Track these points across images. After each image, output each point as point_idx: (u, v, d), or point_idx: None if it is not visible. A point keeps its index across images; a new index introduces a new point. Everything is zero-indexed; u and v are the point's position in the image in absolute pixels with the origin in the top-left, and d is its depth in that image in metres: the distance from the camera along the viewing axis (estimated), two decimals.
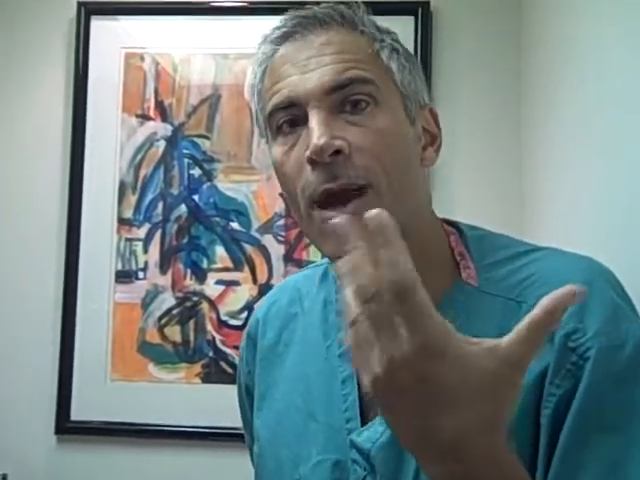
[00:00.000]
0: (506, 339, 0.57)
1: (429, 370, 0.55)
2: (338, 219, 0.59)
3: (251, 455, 1.08)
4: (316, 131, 0.77)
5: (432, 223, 0.89)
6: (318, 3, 0.88)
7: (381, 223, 0.56)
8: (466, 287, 0.84)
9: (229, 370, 2.00)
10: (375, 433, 0.83)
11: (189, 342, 2.05)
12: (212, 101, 2.09)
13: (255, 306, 1.98)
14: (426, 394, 0.56)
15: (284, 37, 0.85)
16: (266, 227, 2.05)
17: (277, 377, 0.98)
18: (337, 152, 0.77)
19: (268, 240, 2.05)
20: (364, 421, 0.86)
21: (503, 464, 0.60)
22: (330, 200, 0.78)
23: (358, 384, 0.86)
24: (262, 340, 1.02)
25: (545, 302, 0.57)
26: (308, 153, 0.78)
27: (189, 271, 2.07)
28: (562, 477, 0.72)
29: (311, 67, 0.81)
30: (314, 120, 0.79)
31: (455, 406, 0.56)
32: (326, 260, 1.00)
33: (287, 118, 0.82)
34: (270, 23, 0.90)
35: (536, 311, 0.57)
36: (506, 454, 0.60)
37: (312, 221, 0.81)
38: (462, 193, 2.01)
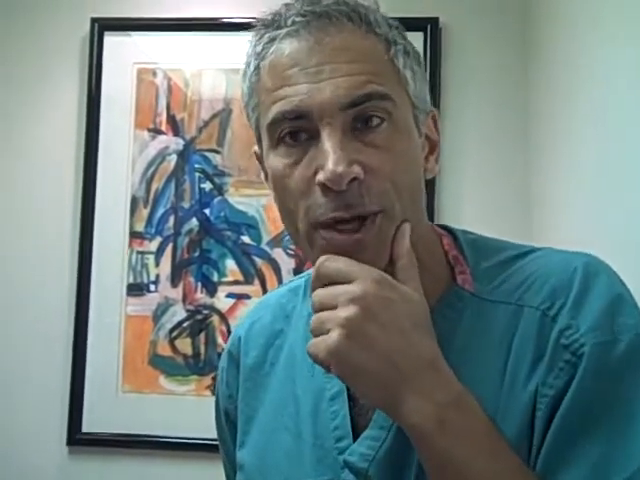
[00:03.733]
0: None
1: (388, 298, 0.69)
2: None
3: (227, 478, 1.04)
4: (332, 156, 0.71)
5: (428, 229, 0.86)
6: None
7: None
8: (462, 293, 0.82)
9: None
10: (369, 449, 0.80)
11: (200, 355, 2.06)
12: (223, 116, 2.11)
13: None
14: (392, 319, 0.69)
15: (289, 34, 0.76)
16: (276, 241, 2.06)
17: (264, 398, 0.93)
18: (353, 179, 0.72)
19: (278, 254, 2.06)
20: (355, 439, 0.82)
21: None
22: (338, 223, 0.74)
23: (349, 400, 0.84)
24: (245, 359, 0.97)
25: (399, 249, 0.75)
26: (322, 179, 0.72)
27: (200, 284, 2.08)
28: (547, 474, 0.70)
29: (324, 76, 0.73)
30: (329, 142, 0.72)
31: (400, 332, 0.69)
32: (307, 273, 0.96)
33: (292, 129, 0.75)
34: None
35: (400, 260, 0.74)
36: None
37: (313, 240, 0.76)
38: (469, 202, 2.01)
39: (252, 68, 0.80)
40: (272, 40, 0.77)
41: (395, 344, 0.68)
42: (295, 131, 0.75)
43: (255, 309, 1.04)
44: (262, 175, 0.86)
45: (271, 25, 0.78)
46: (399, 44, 0.79)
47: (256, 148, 0.86)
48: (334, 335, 0.68)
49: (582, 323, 0.73)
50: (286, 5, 0.79)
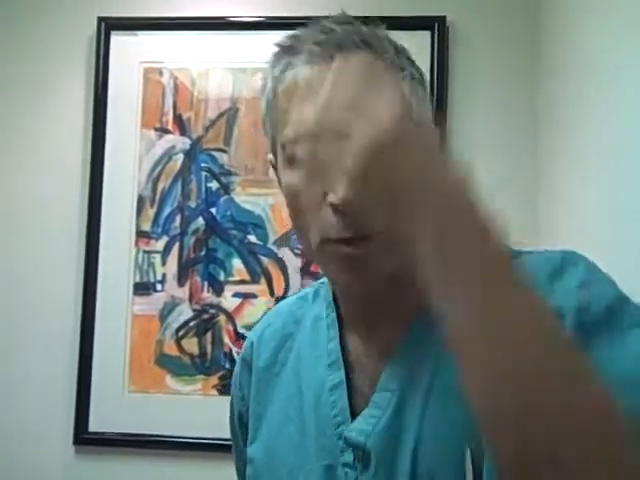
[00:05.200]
0: None
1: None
2: None
3: (240, 477, 1.07)
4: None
5: None
6: (328, 16, 0.86)
7: None
8: None
9: None
10: (367, 425, 0.84)
11: (206, 354, 2.06)
12: (230, 115, 2.10)
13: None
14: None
15: (305, 60, 0.82)
16: (283, 240, 2.06)
17: (273, 396, 0.98)
18: None
19: (285, 253, 2.06)
20: None
21: None
22: (347, 240, 0.78)
23: (350, 391, 0.88)
24: (257, 362, 1.02)
25: None
26: (335, 201, 0.73)
27: (206, 283, 2.08)
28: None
29: None
30: None
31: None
32: (318, 282, 1.02)
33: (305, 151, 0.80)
34: None
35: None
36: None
37: (323, 252, 0.81)
38: None
39: (269, 88, 0.87)
40: (289, 66, 0.84)
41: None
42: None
43: (267, 317, 1.09)
44: (277, 180, 0.90)
45: (289, 51, 0.85)
46: (406, 70, 0.84)
47: (271, 156, 0.91)
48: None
49: (558, 296, 0.74)
50: (303, 32, 0.85)
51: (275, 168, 0.90)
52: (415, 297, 0.81)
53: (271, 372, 1.00)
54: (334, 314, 0.94)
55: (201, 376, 2.06)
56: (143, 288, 2.09)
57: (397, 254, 0.79)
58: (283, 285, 2.05)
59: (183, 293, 2.08)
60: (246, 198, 2.09)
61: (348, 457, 0.85)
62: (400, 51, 0.86)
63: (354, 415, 0.87)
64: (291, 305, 1.05)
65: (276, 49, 0.87)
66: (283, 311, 1.06)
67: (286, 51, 0.85)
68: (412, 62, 0.87)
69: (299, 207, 0.82)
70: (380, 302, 0.86)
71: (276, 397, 0.98)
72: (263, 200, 2.07)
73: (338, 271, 0.82)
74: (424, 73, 0.88)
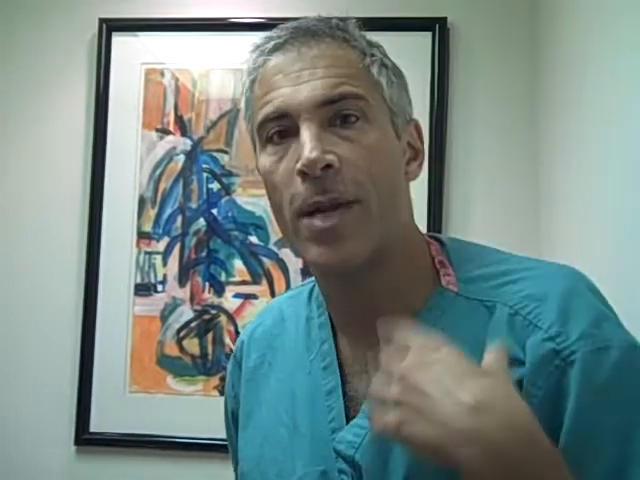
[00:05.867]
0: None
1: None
2: None
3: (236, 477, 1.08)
4: (308, 145, 0.78)
5: (414, 234, 0.91)
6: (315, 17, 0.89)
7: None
8: (446, 293, 0.86)
9: None
10: (355, 437, 0.84)
11: (207, 355, 2.06)
12: (231, 116, 2.11)
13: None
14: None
15: (276, 48, 0.86)
16: (284, 241, 2.06)
17: (261, 396, 0.98)
18: (328, 166, 0.78)
19: (286, 254, 2.06)
20: None
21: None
22: (318, 212, 0.80)
23: (343, 395, 0.88)
24: (247, 361, 1.03)
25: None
26: (299, 166, 0.78)
27: (207, 284, 2.08)
28: None
29: (303, 79, 0.81)
30: (305, 134, 0.79)
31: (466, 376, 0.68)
32: (312, 280, 1.01)
33: (278, 129, 0.83)
34: None
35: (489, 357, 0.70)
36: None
37: (298, 230, 0.82)
38: (478, 203, 2.01)
39: (247, 84, 0.89)
40: (262, 54, 0.87)
41: (441, 406, 0.67)
42: (280, 131, 0.83)
43: (259, 315, 1.10)
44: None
45: (261, 47, 0.88)
46: (375, 56, 0.86)
47: (256, 162, 0.92)
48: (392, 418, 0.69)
49: (571, 332, 0.76)
50: (276, 29, 0.88)
51: (259, 170, 0.90)
52: (405, 297, 0.86)
53: (259, 372, 1.00)
54: (326, 315, 0.94)
55: (202, 377, 2.06)
56: (144, 289, 2.09)
57: (375, 228, 0.81)
58: (284, 286, 2.05)
59: (184, 294, 2.08)
60: (247, 199, 2.09)
61: (343, 464, 0.85)
62: (372, 43, 0.88)
63: (349, 420, 0.87)
64: (281, 304, 1.06)
65: (250, 49, 0.90)
66: (275, 308, 1.06)
67: (259, 48, 0.88)
68: (384, 54, 0.88)
69: (274, 185, 0.84)
70: (367, 297, 0.86)
71: (264, 397, 0.98)
72: (264, 201, 2.05)
73: (313, 246, 0.81)
74: (400, 69, 0.90)
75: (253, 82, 0.88)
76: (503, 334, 0.78)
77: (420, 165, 0.91)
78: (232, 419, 1.07)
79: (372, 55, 0.85)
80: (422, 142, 0.92)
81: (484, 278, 0.85)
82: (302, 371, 0.94)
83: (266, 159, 0.85)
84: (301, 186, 0.79)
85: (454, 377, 0.68)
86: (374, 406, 0.72)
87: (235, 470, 1.09)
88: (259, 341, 1.03)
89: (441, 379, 0.68)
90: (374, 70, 0.85)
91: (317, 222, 0.79)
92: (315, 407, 0.90)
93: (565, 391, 0.74)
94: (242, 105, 0.91)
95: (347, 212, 0.79)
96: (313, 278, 1.00)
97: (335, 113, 0.81)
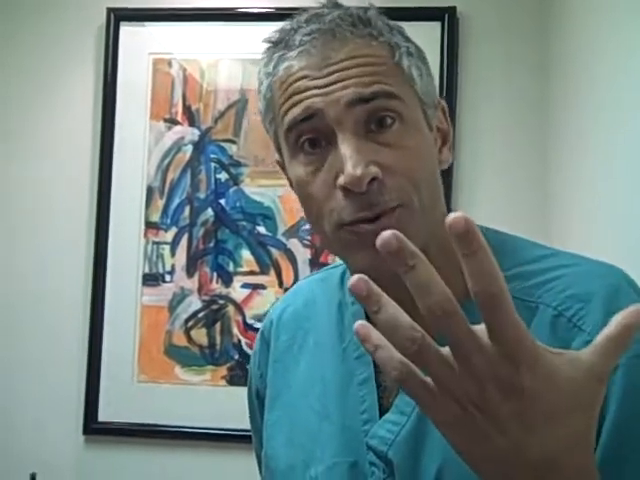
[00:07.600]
0: (586, 351, 0.55)
1: (519, 382, 0.53)
2: (385, 234, 0.54)
3: (258, 458, 1.06)
4: (350, 160, 0.75)
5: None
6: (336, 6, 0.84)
7: (469, 228, 0.55)
8: None
9: None
10: (388, 433, 0.83)
11: (215, 345, 2.06)
12: (239, 106, 2.10)
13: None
14: (515, 410, 0.53)
15: (298, 51, 0.81)
16: (292, 231, 2.06)
17: (290, 379, 0.97)
18: (372, 179, 0.75)
19: (294, 244, 2.06)
20: None
21: None
22: (362, 222, 0.77)
23: (377, 386, 0.87)
24: (276, 342, 1.01)
25: (619, 318, 0.55)
26: (342, 182, 0.75)
27: (215, 274, 2.08)
28: None
29: (332, 80, 0.78)
30: (346, 146, 0.76)
31: (549, 421, 0.54)
32: (340, 263, 0.98)
33: (310, 136, 0.79)
34: None
35: (611, 327, 0.55)
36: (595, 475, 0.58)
37: (340, 238, 0.79)
38: (486, 193, 2.01)
39: (265, 86, 0.85)
40: (282, 59, 0.82)
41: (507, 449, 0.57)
42: (313, 138, 0.79)
43: (289, 294, 1.07)
44: (287, 179, 0.89)
45: (279, 44, 0.84)
46: (402, 47, 0.82)
47: (277, 157, 0.90)
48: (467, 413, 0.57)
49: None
50: (292, 23, 0.84)
51: (283, 167, 0.88)
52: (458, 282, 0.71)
53: (288, 354, 0.98)
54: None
55: (210, 367, 2.06)
56: (152, 279, 2.10)
57: (418, 227, 0.78)
58: (292, 276, 2.05)
59: (192, 284, 2.09)
60: (255, 189, 2.09)
61: (374, 457, 0.84)
62: (393, 28, 0.84)
63: (382, 412, 0.85)
64: (313, 285, 1.03)
65: (266, 45, 0.86)
66: (305, 289, 1.04)
67: (277, 45, 0.84)
68: (407, 38, 0.85)
69: (310, 196, 0.81)
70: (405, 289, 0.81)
71: (293, 380, 0.96)
72: (272, 191, 2.07)
73: (357, 250, 0.78)
74: (421, 48, 0.86)
75: (272, 84, 0.84)
76: (546, 336, 0.74)
77: (450, 149, 0.89)
78: (256, 397, 1.05)
79: (399, 46, 0.82)
80: (448, 122, 0.89)
81: (525, 276, 0.81)
82: (334, 358, 0.92)
83: (300, 169, 0.81)
84: (343, 201, 0.77)
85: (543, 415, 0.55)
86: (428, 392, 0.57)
87: (257, 452, 1.07)
88: (289, 322, 1.01)
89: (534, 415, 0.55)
90: (404, 63, 0.81)
91: (364, 226, 0.77)
92: (347, 396, 0.89)
93: (607, 395, 0.69)
94: (261, 108, 0.87)
95: (391, 216, 0.77)
96: (340, 262, 0.98)
97: (369, 115, 0.78)
